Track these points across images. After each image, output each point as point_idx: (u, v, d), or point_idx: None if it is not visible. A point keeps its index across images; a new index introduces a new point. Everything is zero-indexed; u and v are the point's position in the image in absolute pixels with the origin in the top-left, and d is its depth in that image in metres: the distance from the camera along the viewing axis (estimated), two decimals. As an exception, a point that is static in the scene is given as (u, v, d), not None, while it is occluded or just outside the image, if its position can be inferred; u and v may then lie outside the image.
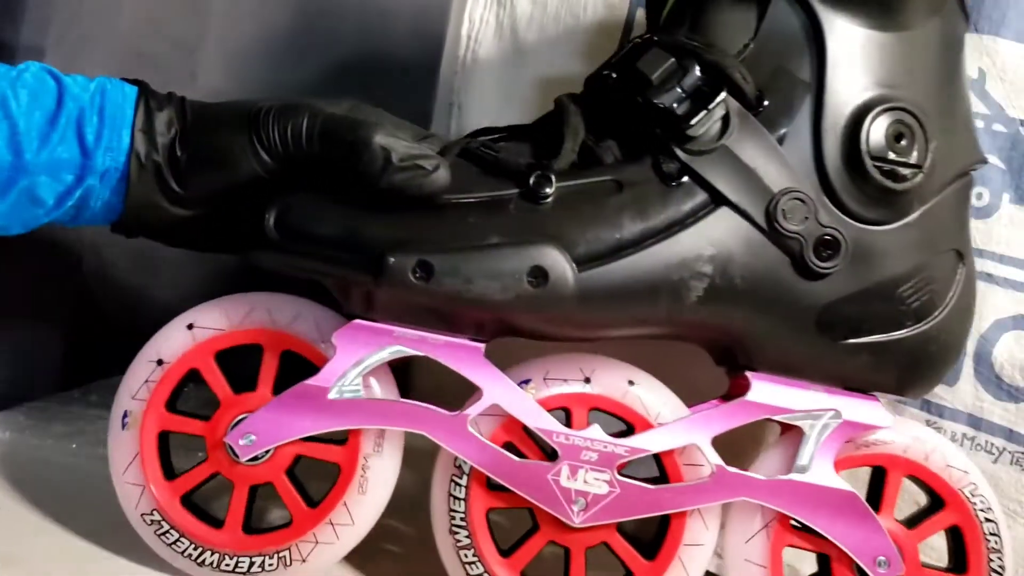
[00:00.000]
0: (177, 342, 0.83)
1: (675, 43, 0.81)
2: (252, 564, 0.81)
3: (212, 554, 0.81)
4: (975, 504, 0.82)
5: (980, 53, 0.94)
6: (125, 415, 0.82)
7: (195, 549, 0.82)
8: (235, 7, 1.11)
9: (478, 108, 1.14)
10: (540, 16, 1.10)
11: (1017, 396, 0.92)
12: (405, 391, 0.83)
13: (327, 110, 0.80)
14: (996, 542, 0.82)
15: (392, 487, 0.83)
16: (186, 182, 0.81)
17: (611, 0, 1.08)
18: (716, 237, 0.79)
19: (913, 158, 0.81)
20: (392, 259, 0.76)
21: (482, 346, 0.81)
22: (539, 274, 0.76)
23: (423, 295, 0.76)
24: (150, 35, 1.07)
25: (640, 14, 1.07)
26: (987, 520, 0.82)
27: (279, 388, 0.82)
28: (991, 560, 0.82)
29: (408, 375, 1.05)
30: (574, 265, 0.77)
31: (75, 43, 1.00)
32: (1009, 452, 0.92)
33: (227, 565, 0.81)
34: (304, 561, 0.82)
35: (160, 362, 0.82)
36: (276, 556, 0.81)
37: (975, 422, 0.93)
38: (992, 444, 0.93)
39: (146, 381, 0.82)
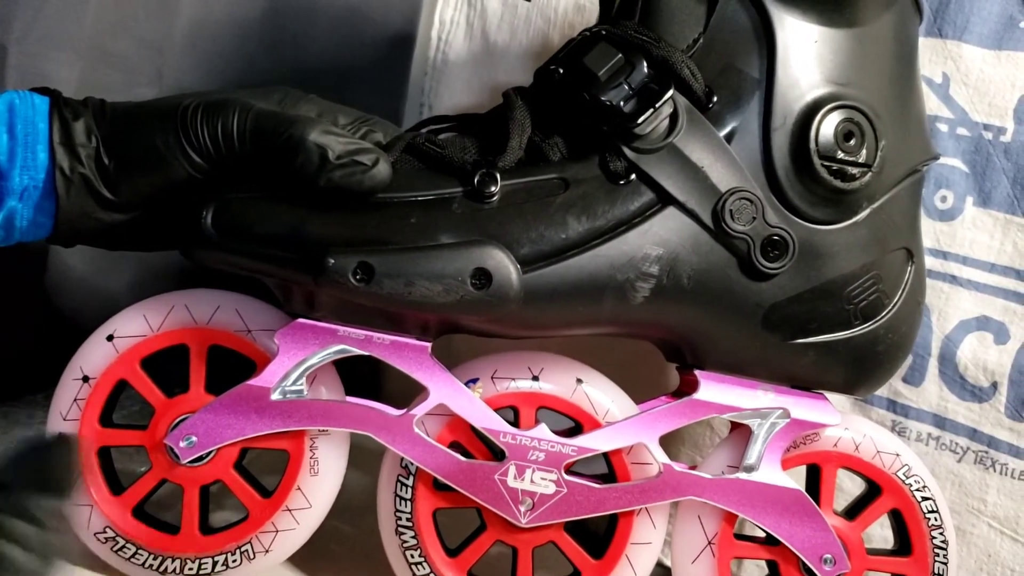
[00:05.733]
0: (100, 356, 0.78)
1: (623, 37, 0.77)
2: (215, 563, 0.78)
3: (173, 561, 0.78)
4: (910, 485, 0.80)
5: (944, 58, 0.91)
6: None
7: (155, 559, 0.78)
8: (204, 6, 1.05)
9: (448, 109, 1.10)
10: (510, 18, 1.07)
11: (980, 396, 0.89)
12: (377, 394, 0.79)
13: (256, 106, 0.75)
14: (936, 518, 0.80)
15: (344, 464, 0.79)
16: (117, 188, 0.75)
17: (581, 2, 1.05)
18: (663, 237, 0.75)
19: (862, 157, 0.77)
20: (332, 260, 0.71)
21: (428, 345, 0.77)
22: (482, 276, 0.72)
23: (364, 296, 0.72)
24: (116, 33, 1.01)
25: (612, 14, 1.04)
26: (924, 499, 0.80)
27: (215, 382, 0.78)
28: (934, 537, 0.80)
29: (379, 378, 1.02)
30: (518, 266, 0.73)
31: (38, 41, 0.94)
32: (973, 451, 0.89)
33: (191, 569, 0.78)
34: (267, 551, 0.78)
35: (86, 379, 0.78)
36: (238, 551, 0.78)
37: (940, 422, 0.91)
38: (956, 443, 0.90)
39: (75, 400, 0.78)
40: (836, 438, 0.80)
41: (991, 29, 0.93)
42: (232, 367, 0.78)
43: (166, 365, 0.79)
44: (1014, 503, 0.88)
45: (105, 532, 0.77)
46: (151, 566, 0.78)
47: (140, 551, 0.78)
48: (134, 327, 0.78)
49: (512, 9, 1.07)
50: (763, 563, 0.82)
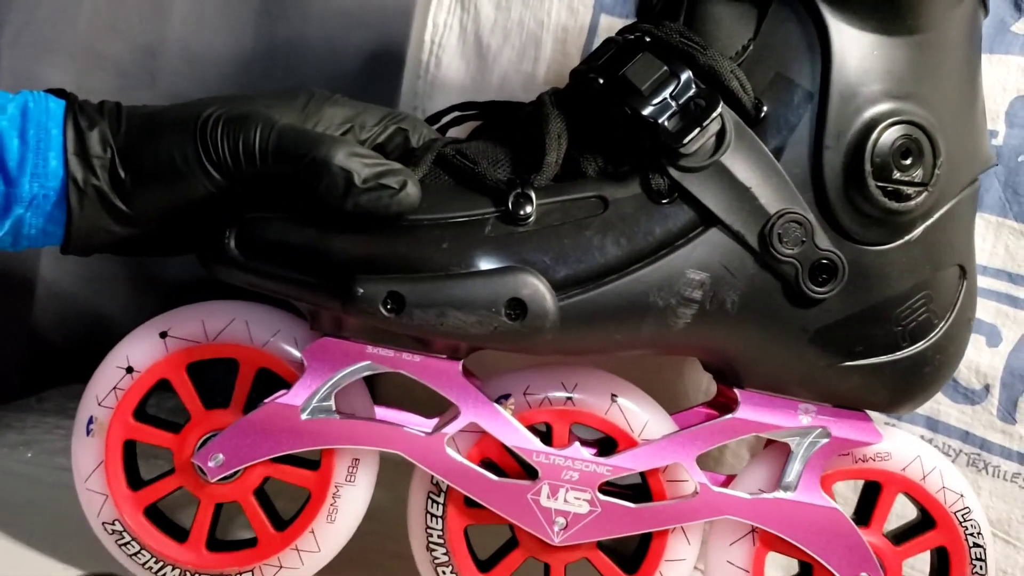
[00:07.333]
0: (149, 350, 0.72)
1: (667, 45, 0.68)
2: (214, 583, 0.70)
3: (173, 569, 0.72)
4: (965, 528, 0.74)
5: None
6: (91, 421, 0.72)
7: (156, 563, 0.72)
8: (197, 9, 0.97)
9: (442, 113, 1.06)
10: (504, 21, 1.00)
11: (973, 399, 0.85)
12: (372, 393, 0.74)
13: (280, 121, 0.67)
14: (981, 567, 0.74)
15: (361, 516, 0.73)
16: (132, 201, 0.68)
17: (575, 5, 0.97)
18: (706, 260, 0.67)
19: (918, 176, 0.69)
20: (361, 289, 0.64)
21: (459, 363, 0.70)
22: (517, 307, 0.65)
23: (394, 326, 0.65)
24: (109, 37, 0.93)
25: (604, 20, 1.00)
26: (975, 545, 0.74)
27: (254, 403, 0.72)
28: None
29: (374, 382, 1.00)
30: (554, 293, 0.65)
31: (32, 45, 0.87)
32: (965, 454, 0.85)
33: (188, 582, 0.70)
34: None
35: (130, 369, 0.71)
36: None
37: (932, 424, 0.86)
38: (949, 446, 0.86)
39: (114, 388, 0.71)
40: (906, 463, 0.74)
41: (983, 33, 0.91)
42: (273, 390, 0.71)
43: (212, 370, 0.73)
44: (1006, 505, 0.84)
45: (114, 525, 0.72)
46: (151, 568, 0.72)
47: (143, 551, 0.72)
48: (190, 330, 0.72)
49: (505, 13, 1.02)
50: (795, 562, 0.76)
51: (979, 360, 0.86)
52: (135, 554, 0.73)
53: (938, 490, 0.74)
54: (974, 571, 0.74)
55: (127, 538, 0.73)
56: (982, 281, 0.87)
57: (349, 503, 0.73)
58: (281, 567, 0.73)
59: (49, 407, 1.01)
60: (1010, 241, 0.87)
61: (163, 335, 0.73)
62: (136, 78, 0.97)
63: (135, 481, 0.73)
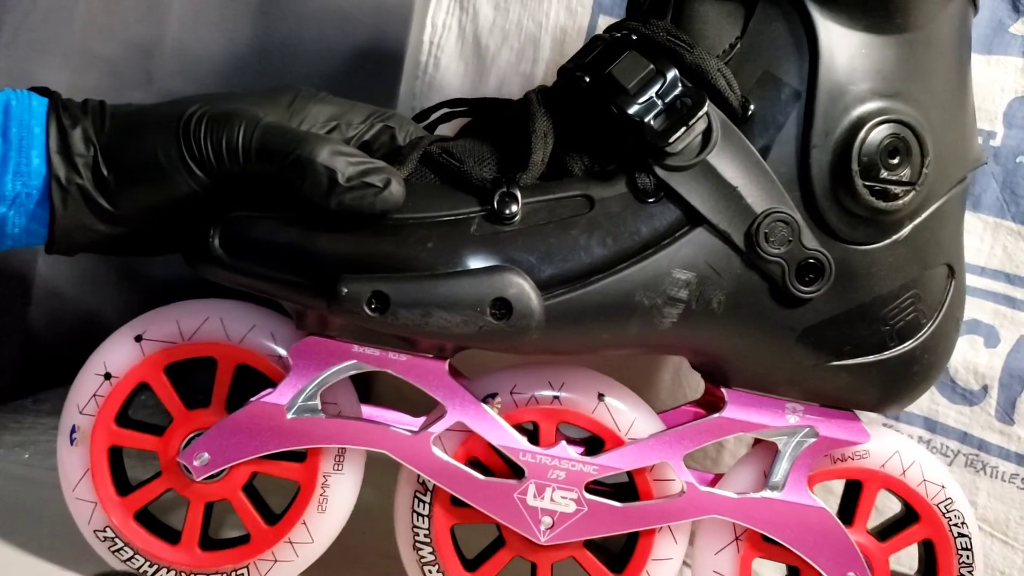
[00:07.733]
0: (125, 355, 0.71)
1: (654, 43, 0.67)
2: (209, 582, 0.70)
3: (168, 571, 0.72)
4: (949, 519, 0.73)
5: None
6: (73, 430, 0.71)
7: (151, 566, 0.72)
8: (193, 9, 0.97)
9: (439, 113, 1.06)
10: (502, 22, 0.99)
11: (971, 399, 0.84)
12: (365, 396, 0.73)
13: (264, 120, 0.66)
14: (968, 556, 0.73)
15: (352, 504, 0.73)
16: (116, 200, 0.67)
17: (573, 6, 0.97)
18: (692, 260, 0.67)
19: (906, 176, 0.68)
20: (346, 289, 0.63)
21: (446, 362, 0.69)
22: (502, 306, 0.64)
23: (379, 325, 0.65)
24: (105, 37, 0.92)
25: (603, 20, 0.97)
26: (960, 535, 0.73)
27: (236, 400, 0.71)
28: (962, 574, 0.73)
29: (368, 381, 1.00)
30: (539, 293, 0.65)
31: (27, 45, 0.86)
32: (963, 455, 0.84)
33: (184, 582, 0.70)
34: None
35: (108, 376, 0.71)
36: (234, 573, 0.72)
37: (931, 425, 0.85)
38: (947, 447, 0.85)
39: (94, 395, 0.71)
40: (885, 459, 0.73)
41: (981, 33, 0.86)
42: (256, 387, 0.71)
43: (192, 369, 0.73)
44: (1004, 506, 0.83)
45: (105, 531, 0.71)
46: (146, 572, 0.72)
47: (137, 556, 0.72)
48: (165, 331, 0.71)
49: (504, 13, 1.02)
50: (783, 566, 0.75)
51: (977, 361, 0.86)
52: (129, 559, 0.73)
53: (919, 483, 0.73)
54: (961, 561, 0.74)
55: (119, 544, 0.73)
56: (980, 282, 0.86)
57: (339, 492, 0.73)
58: (276, 561, 0.73)
59: (46, 408, 1.00)
60: (1008, 242, 0.86)
61: (138, 339, 0.72)
62: (132, 78, 0.96)
63: (123, 486, 0.73)
